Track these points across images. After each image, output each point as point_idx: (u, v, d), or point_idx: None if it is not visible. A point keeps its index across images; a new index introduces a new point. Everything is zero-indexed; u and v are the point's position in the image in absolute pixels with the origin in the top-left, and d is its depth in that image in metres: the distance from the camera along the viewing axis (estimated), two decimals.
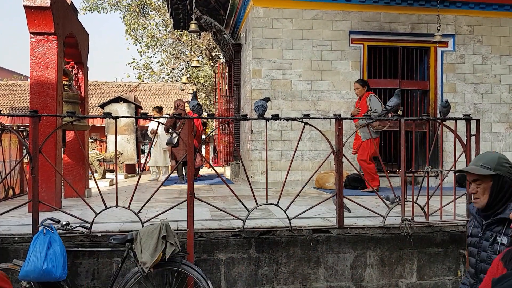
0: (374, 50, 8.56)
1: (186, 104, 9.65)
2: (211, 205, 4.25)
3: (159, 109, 10.84)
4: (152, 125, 10.18)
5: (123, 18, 22.89)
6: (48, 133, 4.18)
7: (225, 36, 10.65)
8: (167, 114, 12.15)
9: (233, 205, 5.42)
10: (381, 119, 5.89)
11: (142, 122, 14.84)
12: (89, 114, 10.87)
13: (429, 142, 7.85)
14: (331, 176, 7.47)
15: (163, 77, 24.83)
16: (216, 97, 14.23)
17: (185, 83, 17.06)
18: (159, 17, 22.72)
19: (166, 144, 9.05)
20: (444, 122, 4.52)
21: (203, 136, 10.24)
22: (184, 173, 9.28)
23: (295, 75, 8.11)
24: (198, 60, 11.80)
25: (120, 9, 22.99)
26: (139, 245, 3.47)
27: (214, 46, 19.33)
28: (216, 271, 4.06)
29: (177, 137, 8.59)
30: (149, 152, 7.84)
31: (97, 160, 9.45)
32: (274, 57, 8.08)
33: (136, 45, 22.80)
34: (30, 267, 3.28)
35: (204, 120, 11.06)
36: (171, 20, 13.81)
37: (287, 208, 4.16)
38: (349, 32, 8.25)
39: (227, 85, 12.32)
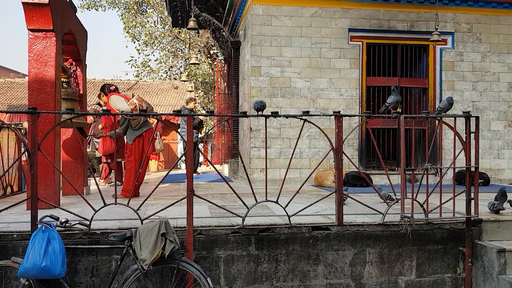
0: (373, 47, 8.55)
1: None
2: (211, 202, 4.24)
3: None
4: None
5: (121, 16, 22.85)
6: (46, 130, 4.16)
7: (223, 33, 10.62)
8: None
9: (232, 203, 5.41)
10: (382, 116, 5.88)
11: None
12: (88, 111, 10.82)
13: (428, 140, 7.86)
14: (330, 173, 7.47)
15: (161, 75, 24.80)
16: (215, 95, 14.20)
17: (185, 81, 16.99)
18: (157, 14, 22.68)
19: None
20: (443, 120, 4.52)
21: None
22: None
23: (294, 72, 8.10)
24: (197, 57, 11.70)
25: (118, 7, 22.95)
26: (139, 242, 3.47)
27: (213, 44, 19.30)
28: (215, 268, 4.06)
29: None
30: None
31: (95, 158, 9.42)
32: (273, 55, 8.07)
33: (134, 43, 22.77)
34: (29, 265, 3.27)
35: (201, 119, 10.97)
36: (170, 18, 13.79)
37: (287, 205, 4.15)
38: (348, 29, 8.25)
39: (225, 83, 12.29)
